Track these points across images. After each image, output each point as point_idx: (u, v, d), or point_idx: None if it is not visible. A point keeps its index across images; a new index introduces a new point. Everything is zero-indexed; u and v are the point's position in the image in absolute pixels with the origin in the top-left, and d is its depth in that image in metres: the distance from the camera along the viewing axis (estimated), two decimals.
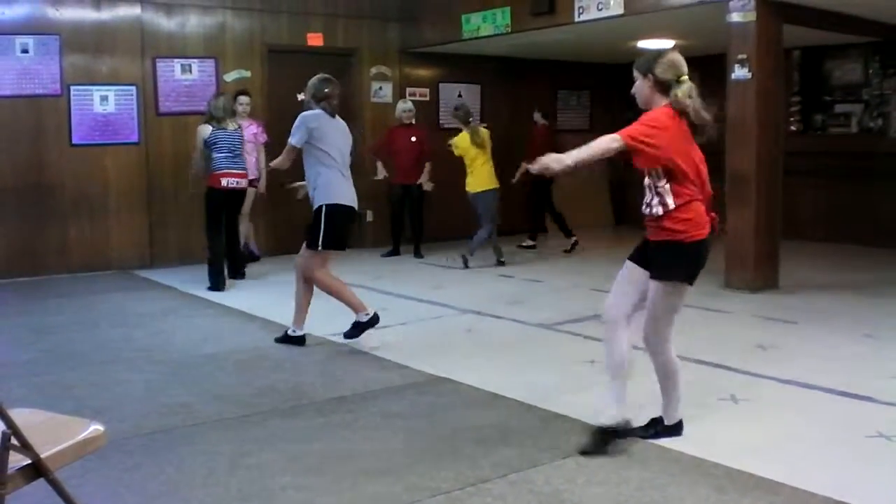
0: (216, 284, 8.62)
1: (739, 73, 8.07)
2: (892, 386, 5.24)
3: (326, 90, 6.28)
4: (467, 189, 9.98)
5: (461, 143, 9.92)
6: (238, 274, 9.17)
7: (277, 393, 5.26)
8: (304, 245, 6.31)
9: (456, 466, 4.01)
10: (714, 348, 6.10)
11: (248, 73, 10.73)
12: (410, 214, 10.89)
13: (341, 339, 6.40)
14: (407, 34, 11.96)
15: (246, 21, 10.78)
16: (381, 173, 10.74)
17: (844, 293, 8.28)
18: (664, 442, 4.27)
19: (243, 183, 8.71)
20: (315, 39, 11.23)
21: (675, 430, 4.38)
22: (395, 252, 11.00)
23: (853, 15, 9.20)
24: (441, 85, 12.48)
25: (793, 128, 12.03)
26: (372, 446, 4.33)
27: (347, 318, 6.36)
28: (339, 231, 6.24)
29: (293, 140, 6.19)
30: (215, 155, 8.42)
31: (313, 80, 6.37)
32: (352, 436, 4.49)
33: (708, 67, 9.44)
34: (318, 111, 6.25)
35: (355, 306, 6.31)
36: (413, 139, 10.60)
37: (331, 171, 6.20)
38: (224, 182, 8.47)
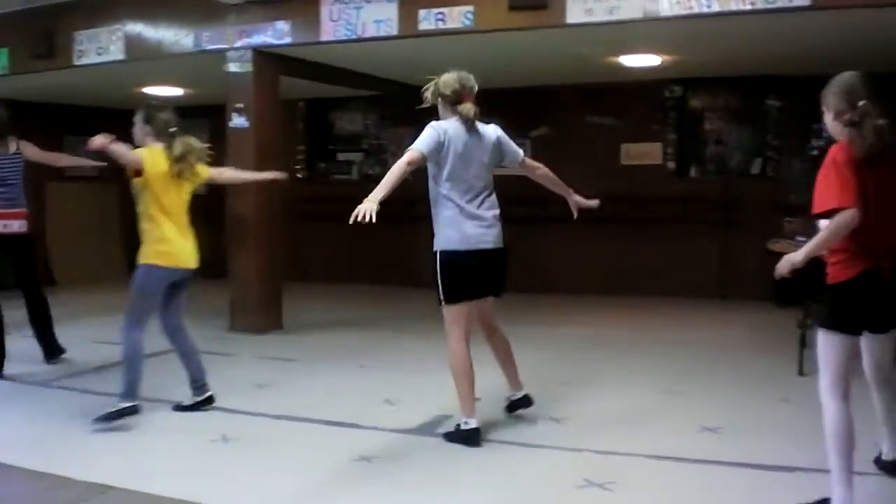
0: None
1: (238, 121, 8.34)
2: (378, 412, 5.68)
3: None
4: None
5: None
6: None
7: None
8: None
9: None
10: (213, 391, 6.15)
11: None
12: None
13: None
14: None
15: None
16: None
17: (344, 329, 8.82)
18: (154, 489, 4.22)
19: None
20: None
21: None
22: None
23: (349, 69, 9.82)
24: None
25: (299, 175, 12.60)
26: None
27: None
28: None
29: None
30: None
31: None
32: None
33: (215, 117, 9.66)
34: None
35: None
36: None
37: None
38: None
